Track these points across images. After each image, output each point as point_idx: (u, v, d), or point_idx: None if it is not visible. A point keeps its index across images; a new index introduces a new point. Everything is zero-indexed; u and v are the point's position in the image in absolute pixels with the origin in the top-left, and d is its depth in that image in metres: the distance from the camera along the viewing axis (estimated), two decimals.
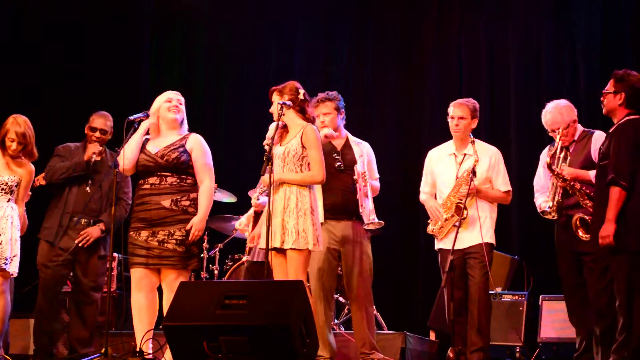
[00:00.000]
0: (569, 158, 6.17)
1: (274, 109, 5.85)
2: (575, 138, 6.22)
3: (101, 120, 6.83)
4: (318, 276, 6.22)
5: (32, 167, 6.38)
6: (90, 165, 6.70)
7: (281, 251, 5.68)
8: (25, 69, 9.36)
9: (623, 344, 5.41)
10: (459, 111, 6.42)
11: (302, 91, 5.85)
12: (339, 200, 6.25)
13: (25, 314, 7.38)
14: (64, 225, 6.70)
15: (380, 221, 6.27)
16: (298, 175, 5.71)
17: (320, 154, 5.76)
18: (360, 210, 6.29)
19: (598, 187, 5.70)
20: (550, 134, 6.28)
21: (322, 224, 5.97)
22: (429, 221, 6.51)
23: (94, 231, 6.69)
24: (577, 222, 5.93)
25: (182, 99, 6.02)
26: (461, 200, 6.23)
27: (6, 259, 6.10)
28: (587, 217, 5.90)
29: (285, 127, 5.87)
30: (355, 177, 6.31)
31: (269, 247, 5.59)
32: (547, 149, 6.38)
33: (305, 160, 5.73)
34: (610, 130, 5.70)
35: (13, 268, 6.16)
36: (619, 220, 5.45)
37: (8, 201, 6.22)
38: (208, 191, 5.86)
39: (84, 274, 6.72)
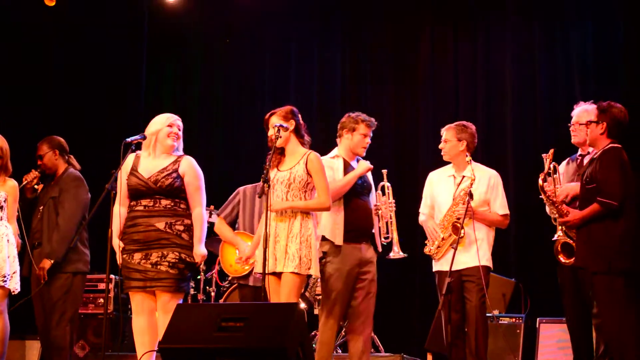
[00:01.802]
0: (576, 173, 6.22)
1: (272, 133, 5.87)
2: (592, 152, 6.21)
3: (39, 147, 6.87)
4: (341, 299, 6.14)
5: (14, 182, 6.43)
6: (25, 192, 6.73)
7: (277, 275, 5.70)
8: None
9: None
10: (445, 134, 6.56)
11: (299, 115, 5.88)
12: (362, 222, 6.25)
13: (21, 335, 7.36)
14: (30, 255, 6.71)
15: (405, 254, 6.37)
16: (307, 202, 5.75)
17: (326, 180, 5.81)
18: (387, 239, 6.32)
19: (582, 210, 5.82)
20: (570, 126, 6.33)
21: (339, 246, 6.07)
22: (426, 242, 6.53)
23: (45, 264, 6.55)
24: (559, 247, 5.99)
25: (182, 125, 6.00)
26: (458, 219, 6.26)
27: (4, 276, 6.13)
28: (571, 242, 5.93)
29: (282, 152, 5.89)
30: (377, 204, 6.34)
31: (267, 272, 5.59)
32: (565, 162, 6.43)
33: (310, 186, 5.78)
34: (596, 156, 5.85)
35: (13, 284, 6.22)
36: (610, 243, 5.59)
37: (1, 220, 6.25)
38: (201, 218, 5.84)
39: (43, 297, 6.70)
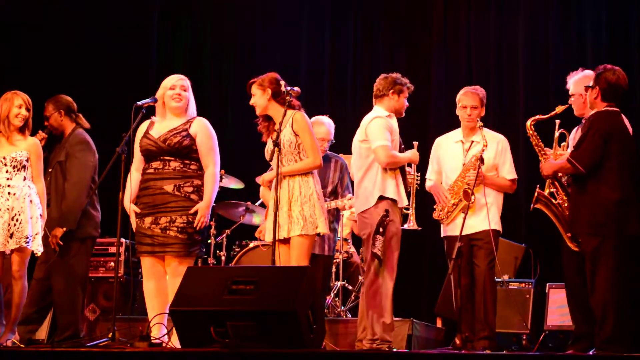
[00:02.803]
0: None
1: (256, 102, 5.88)
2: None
3: (46, 107, 6.67)
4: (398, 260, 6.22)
5: (36, 139, 6.34)
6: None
7: (287, 242, 5.71)
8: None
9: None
10: (471, 100, 6.43)
11: (282, 82, 5.86)
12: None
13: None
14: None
15: (419, 227, 6.44)
16: (297, 165, 5.75)
17: (313, 139, 5.81)
18: (407, 210, 6.34)
19: (573, 177, 5.89)
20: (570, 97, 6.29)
21: (397, 208, 6.13)
22: (435, 207, 6.51)
23: (57, 232, 6.37)
24: (540, 196, 6.11)
25: (187, 84, 5.97)
26: (469, 185, 6.24)
27: (27, 238, 6.08)
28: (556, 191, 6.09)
29: (271, 120, 5.88)
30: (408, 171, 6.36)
31: (276, 238, 5.59)
32: (575, 129, 6.32)
33: (302, 147, 5.78)
34: (584, 121, 5.94)
35: (36, 246, 6.14)
36: (604, 209, 5.66)
37: (24, 180, 6.19)
38: (213, 177, 5.83)
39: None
